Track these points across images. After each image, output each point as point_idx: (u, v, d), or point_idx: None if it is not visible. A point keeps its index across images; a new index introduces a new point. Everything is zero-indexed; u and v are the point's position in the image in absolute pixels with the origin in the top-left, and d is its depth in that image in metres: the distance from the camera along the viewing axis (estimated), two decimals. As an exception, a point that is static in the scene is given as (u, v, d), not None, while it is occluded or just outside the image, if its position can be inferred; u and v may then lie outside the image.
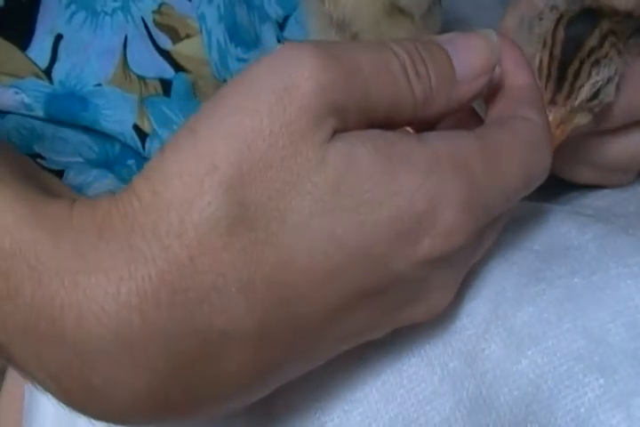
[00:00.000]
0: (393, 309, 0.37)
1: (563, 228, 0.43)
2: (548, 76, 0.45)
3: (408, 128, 0.39)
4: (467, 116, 0.41)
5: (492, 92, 0.41)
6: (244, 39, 0.59)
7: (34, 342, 0.33)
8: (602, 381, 0.37)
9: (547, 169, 0.39)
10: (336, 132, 0.34)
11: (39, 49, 0.54)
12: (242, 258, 0.32)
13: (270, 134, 0.33)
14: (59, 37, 0.55)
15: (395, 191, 0.34)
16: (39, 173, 0.38)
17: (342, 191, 0.33)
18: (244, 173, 0.32)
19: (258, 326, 0.33)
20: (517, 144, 0.37)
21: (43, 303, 0.32)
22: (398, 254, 0.34)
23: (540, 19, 0.47)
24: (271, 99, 0.33)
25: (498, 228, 0.40)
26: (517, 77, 0.40)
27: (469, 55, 0.38)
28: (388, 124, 0.36)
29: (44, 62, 0.54)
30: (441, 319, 0.40)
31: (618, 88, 0.47)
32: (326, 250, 0.33)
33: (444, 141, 0.36)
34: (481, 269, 0.41)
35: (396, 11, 0.49)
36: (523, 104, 0.39)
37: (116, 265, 0.32)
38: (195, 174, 0.32)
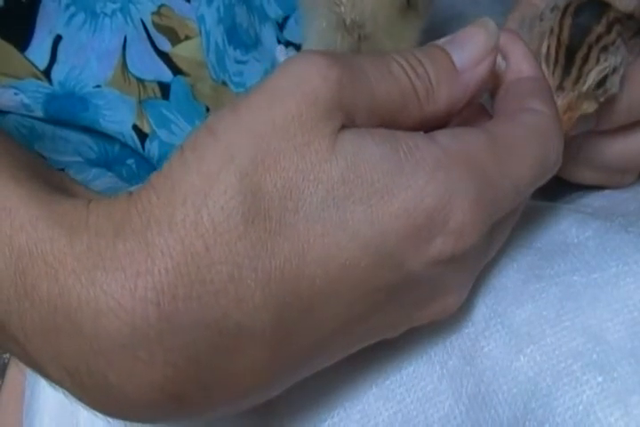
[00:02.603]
0: (410, 308, 0.37)
1: (563, 225, 0.44)
2: (556, 61, 0.45)
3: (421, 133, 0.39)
4: (477, 113, 0.41)
5: (498, 86, 0.41)
6: (243, 41, 0.59)
7: (51, 338, 0.33)
8: (600, 379, 0.38)
9: (558, 160, 0.39)
10: (345, 127, 0.35)
11: (38, 50, 0.54)
12: (257, 249, 0.33)
13: (283, 126, 0.34)
14: (58, 38, 0.55)
15: (404, 185, 0.34)
16: (54, 172, 0.39)
17: (352, 180, 0.34)
18: (258, 163, 0.33)
19: (273, 320, 0.33)
20: (527, 137, 0.38)
21: (59, 300, 0.33)
22: (412, 253, 0.35)
23: (541, 19, 0.48)
24: (284, 95, 0.34)
25: (510, 225, 0.40)
26: (523, 70, 0.41)
27: (466, 45, 0.39)
28: (398, 126, 0.37)
29: (43, 63, 0.54)
30: (440, 317, 0.40)
31: (622, 81, 0.47)
32: (339, 242, 0.33)
33: (452, 138, 0.36)
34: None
35: (406, 6, 0.50)
36: (530, 96, 0.40)
37: (132, 261, 0.32)
38: (212, 166, 0.33)
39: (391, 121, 0.36)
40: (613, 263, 0.40)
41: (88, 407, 0.35)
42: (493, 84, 0.41)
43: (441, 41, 0.40)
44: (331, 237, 0.33)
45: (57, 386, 0.35)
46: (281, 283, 0.33)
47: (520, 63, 0.41)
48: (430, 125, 0.38)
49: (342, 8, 0.49)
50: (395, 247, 0.34)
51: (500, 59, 0.40)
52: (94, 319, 0.32)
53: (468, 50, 0.39)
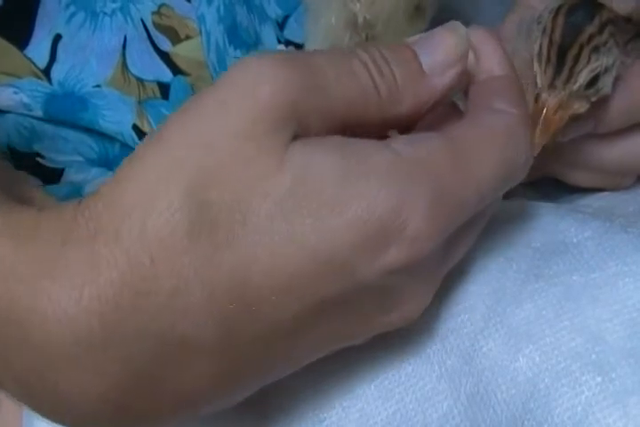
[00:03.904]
0: (365, 317, 0.36)
1: (562, 225, 0.43)
2: (548, 61, 0.46)
3: (394, 131, 0.39)
4: (448, 112, 0.40)
5: (470, 85, 0.40)
6: (243, 40, 0.59)
7: (1, 347, 0.33)
8: (599, 379, 0.38)
9: (527, 161, 0.38)
10: (297, 137, 0.34)
11: (38, 49, 0.54)
12: (203, 262, 0.32)
13: (231, 138, 0.33)
14: (58, 37, 0.55)
15: (354, 194, 0.33)
16: (13, 178, 0.39)
17: (301, 193, 0.33)
18: (205, 175, 0.33)
19: (220, 332, 0.33)
20: (489, 139, 0.37)
21: (9, 308, 0.33)
22: (364, 263, 0.34)
23: (538, 22, 0.48)
24: (231, 105, 0.33)
25: (476, 230, 0.39)
26: (495, 69, 0.40)
27: (435, 49, 0.38)
28: (356, 125, 0.36)
29: (42, 62, 0.54)
30: (439, 316, 0.40)
31: (615, 83, 0.47)
32: (287, 253, 0.33)
33: (406, 144, 0.35)
34: (479, 267, 0.41)
35: (415, 10, 0.50)
36: (499, 96, 0.39)
37: (79, 270, 0.32)
38: (158, 176, 0.33)
39: (350, 122, 0.36)
40: (612, 263, 0.40)
41: (40, 416, 0.35)
42: (467, 83, 0.40)
43: (411, 39, 0.39)
44: (278, 249, 0.33)
45: (10, 395, 0.35)
46: (227, 294, 0.33)
47: (490, 62, 0.40)
48: (393, 128, 0.38)
49: (358, 5, 0.49)
50: (346, 258, 0.33)
51: (472, 56, 0.39)
52: (42, 328, 0.32)
53: (437, 54, 0.38)
